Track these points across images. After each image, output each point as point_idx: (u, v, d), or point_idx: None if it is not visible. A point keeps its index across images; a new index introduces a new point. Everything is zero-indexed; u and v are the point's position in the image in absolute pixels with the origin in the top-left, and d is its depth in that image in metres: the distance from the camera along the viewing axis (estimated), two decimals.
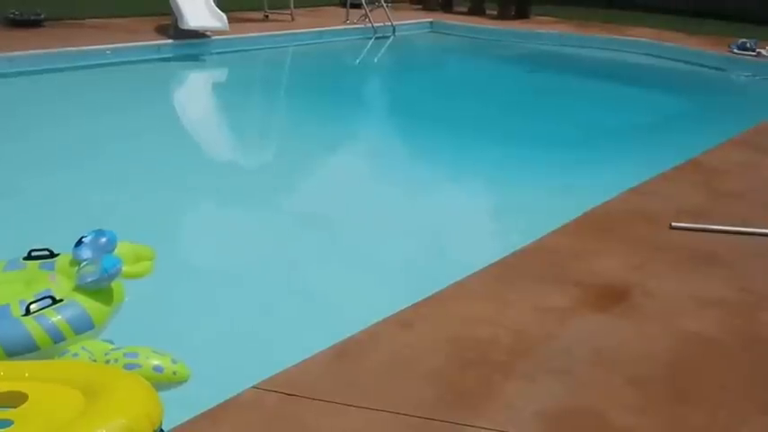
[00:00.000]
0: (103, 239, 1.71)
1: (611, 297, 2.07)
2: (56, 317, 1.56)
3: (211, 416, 1.49)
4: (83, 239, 1.73)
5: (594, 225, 2.61)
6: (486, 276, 2.18)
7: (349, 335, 1.79)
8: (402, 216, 3.04)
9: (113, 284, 1.69)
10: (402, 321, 1.89)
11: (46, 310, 1.57)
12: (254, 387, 1.58)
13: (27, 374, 1.35)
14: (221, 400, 1.53)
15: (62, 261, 1.76)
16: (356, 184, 3.54)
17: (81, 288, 1.63)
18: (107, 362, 1.52)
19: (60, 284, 1.66)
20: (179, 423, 1.43)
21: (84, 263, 1.66)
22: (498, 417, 1.52)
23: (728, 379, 1.71)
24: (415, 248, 2.67)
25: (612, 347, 1.82)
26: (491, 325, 1.88)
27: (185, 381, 1.53)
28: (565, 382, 1.66)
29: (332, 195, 3.28)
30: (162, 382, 1.46)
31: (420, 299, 2.00)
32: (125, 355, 1.53)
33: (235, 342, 1.97)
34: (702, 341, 1.86)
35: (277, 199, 3.26)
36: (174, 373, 1.53)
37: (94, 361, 1.53)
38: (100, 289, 1.64)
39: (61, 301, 1.60)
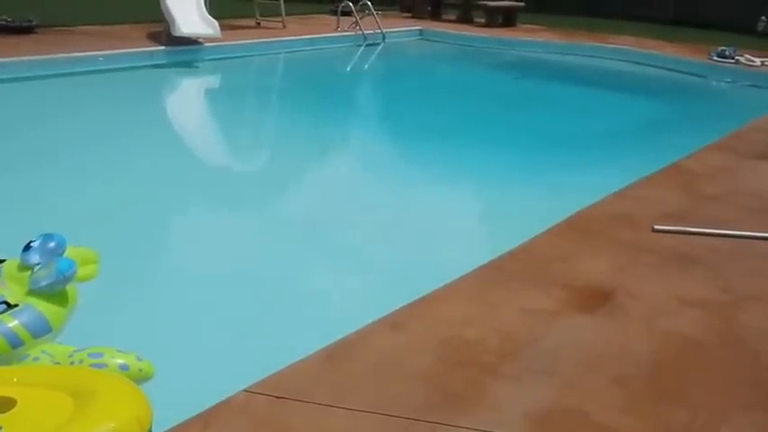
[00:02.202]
0: (52, 244, 1.68)
1: (596, 299, 2.11)
2: (12, 322, 1.55)
3: (202, 419, 1.50)
4: (31, 244, 1.70)
5: (579, 228, 2.66)
6: (474, 279, 2.22)
7: (339, 337, 1.81)
8: (392, 220, 3.07)
9: (67, 287, 1.67)
10: (392, 323, 1.92)
11: (2, 315, 1.56)
12: (244, 390, 1.59)
13: (15, 379, 1.35)
14: (212, 403, 1.54)
15: (9, 267, 1.73)
16: (346, 189, 3.56)
17: (35, 292, 1.62)
18: (71, 363, 1.52)
19: (12, 290, 1.64)
20: (169, 426, 1.44)
21: (38, 266, 1.64)
22: (486, 417, 1.55)
23: (710, 378, 1.75)
24: (404, 251, 2.70)
25: (597, 348, 1.85)
26: (479, 327, 1.91)
27: (151, 377, 1.54)
28: (551, 382, 1.69)
29: (322, 200, 3.30)
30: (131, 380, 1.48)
31: (410, 301, 2.02)
32: (89, 355, 1.53)
33: (226, 345, 1.98)
34: (684, 341, 1.91)
35: (269, 203, 3.27)
36: (140, 370, 1.53)
37: (57, 364, 1.52)
38: (54, 292, 1.62)
39: (16, 306, 1.59)
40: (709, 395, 1.68)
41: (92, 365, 1.50)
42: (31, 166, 3.41)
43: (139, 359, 1.55)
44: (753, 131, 4.39)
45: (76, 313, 1.69)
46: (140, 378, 1.52)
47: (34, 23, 5.95)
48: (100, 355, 1.53)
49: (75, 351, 1.56)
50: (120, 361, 1.52)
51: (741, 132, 4.31)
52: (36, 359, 1.53)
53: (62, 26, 6.30)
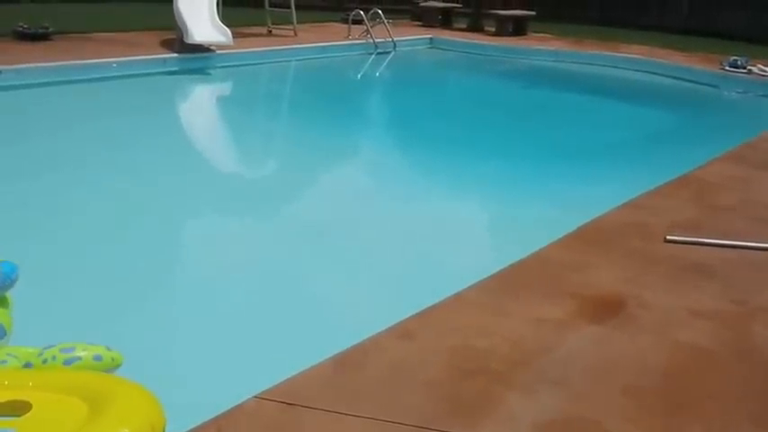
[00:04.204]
0: None
1: (607, 309, 2.11)
2: None
3: (213, 425, 1.51)
4: None
5: (590, 238, 2.65)
6: (484, 288, 2.22)
7: (349, 345, 1.82)
8: (402, 229, 3.08)
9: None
10: (402, 332, 1.92)
11: None
12: (255, 397, 1.60)
13: (31, 383, 1.37)
14: (223, 409, 1.55)
15: None
16: (357, 196, 3.58)
17: None
18: (44, 361, 1.53)
19: None
20: None
21: None
22: (496, 426, 1.55)
23: (722, 390, 1.74)
24: (415, 260, 2.70)
25: (608, 358, 1.85)
26: (489, 336, 1.91)
27: (121, 365, 1.57)
28: (562, 392, 1.68)
29: (333, 207, 3.32)
30: (104, 370, 1.51)
31: (420, 310, 2.03)
32: (61, 351, 1.54)
33: (238, 352, 1.99)
34: (696, 352, 1.89)
35: (280, 210, 3.30)
36: (112, 359, 1.56)
37: (29, 365, 1.53)
38: None
39: None
40: (722, 407, 1.67)
41: (65, 360, 1.51)
42: (39, 171, 3.44)
43: (109, 349, 1.57)
44: (765, 142, 4.36)
45: (84, 314, 1.71)
46: (112, 367, 1.56)
47: (50, 30, 6.07)
48: (71, 349, 1.54)
49: (44, 349, 1.56)
50: (92, 353, 1.54)
51: (753, 143, 4.28)
52: (3, 362, 1.53)
53: (77, 33, 6.42)
